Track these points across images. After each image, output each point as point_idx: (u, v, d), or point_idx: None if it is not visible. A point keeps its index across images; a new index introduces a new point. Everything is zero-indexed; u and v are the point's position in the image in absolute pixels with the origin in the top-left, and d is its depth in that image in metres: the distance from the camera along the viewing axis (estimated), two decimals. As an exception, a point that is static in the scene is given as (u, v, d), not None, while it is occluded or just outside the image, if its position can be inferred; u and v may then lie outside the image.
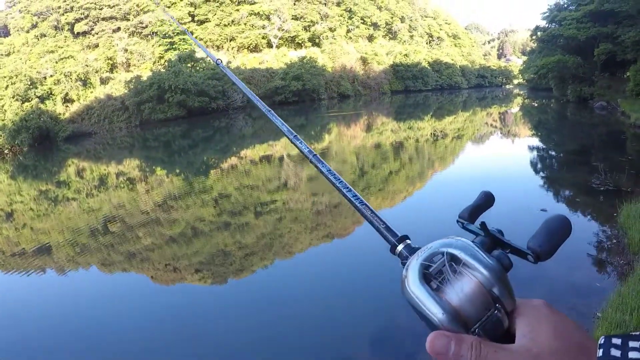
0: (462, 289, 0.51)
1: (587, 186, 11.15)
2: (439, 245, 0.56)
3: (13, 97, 36.16)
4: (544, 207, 9.95)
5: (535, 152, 18.31)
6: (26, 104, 35.57)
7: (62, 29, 58.02)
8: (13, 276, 9.11)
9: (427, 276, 0.54)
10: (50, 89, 40.74)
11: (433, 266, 0.54)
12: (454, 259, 0.54)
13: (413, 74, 71.38)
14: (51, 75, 41.97)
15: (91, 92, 42.93)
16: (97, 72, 45.48)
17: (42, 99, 38.56)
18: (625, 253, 6.85)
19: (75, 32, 57.84)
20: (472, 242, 0.57)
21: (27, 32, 57.04)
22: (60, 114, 38.06)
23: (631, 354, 0.44)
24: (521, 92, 63.19)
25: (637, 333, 0.47)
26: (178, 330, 6.15)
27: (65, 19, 57.49)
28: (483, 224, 0.58)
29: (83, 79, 43.30)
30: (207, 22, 60.67)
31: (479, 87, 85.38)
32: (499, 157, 18.09)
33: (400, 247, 0.64)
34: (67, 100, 41.44)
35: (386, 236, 0.68)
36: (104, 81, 45.23)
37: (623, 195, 9.26)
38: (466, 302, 0.51)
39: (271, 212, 12.20)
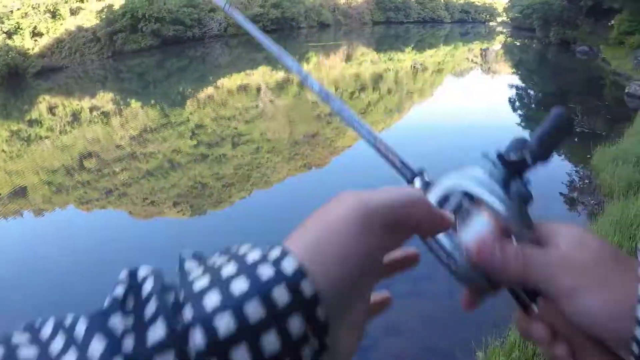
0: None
1: (563, 126, 11.23)
2: (453, 182, 0.52)
3: (-22, 35, 34.21)
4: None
5: (513, 90, 18.32)
6: (-8, 41, 33.85)
7: (28, -42, 54.63)
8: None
9: None
10: (17, 23, 38.35)
11: (448, 206, 0.51)
12: (469, 196, 0.50)
13: (395, 6, 69.84)
14: (18, 9, 39.42)
15: (61, 24, 40.84)
16: (66, 2, 43.19)
17: (9, 35, 36.51)
18: (596, 194, 7.02)
19: (43, -39, 54.60)
20: (489, 174, 0.52)
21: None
22: (29, 49, 36.15)
23: None
24: (504, 31, 62.53)
25: None
26: (158, 263, 6.17)
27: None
28: (500, 156, 0.51)
29: (52, 10, 41.29)
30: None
31: (461, 23, 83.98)
32: (478, 93, 18.08)
33: (417, 183, 0.59)
34: (35, 34, 39.16)
35: (402, 170, 0.62)
36: (74, 12, 42.95)
37: (597, 138, 9.38)
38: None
39: (249, 142, 12.13)
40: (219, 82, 23.06)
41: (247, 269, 0.30)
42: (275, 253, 0.32)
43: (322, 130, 12.85)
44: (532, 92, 18.80)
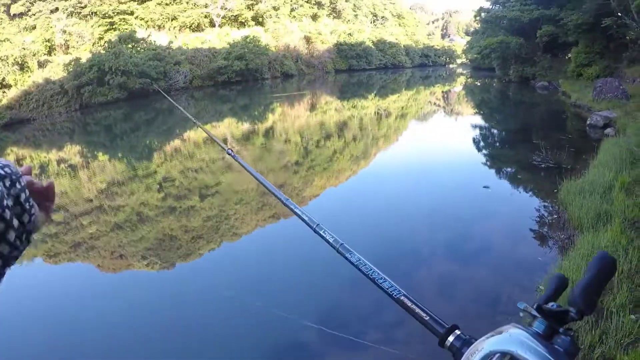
0: None
1: (528, 163, 11.39)
2: (494, 343, 0.49)
3: (-54, 85, 33.89)
4: (486, 184, 10.11)
5: (478, 130, 18.62)
6: (-40, 92, 33.51)
7: (-3, 11, 54.77)
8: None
9: None
10: (-15, 75, 38.50)
11: None
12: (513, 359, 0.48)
13: (357, 53, 71.35)
14: (-14, 62, 39.64)
15: (29, 76, 40.68)
16: (34, 55, 43.01)
17: (-23, 87, 36.42)
18: (566, 228, 7.00)
19: (12, 14, 54.58)
20: (531, 332, 0.49)
21: (-40, 15, 53.62)
22: (-4, 100, 36.16)
23: None
24: (464, 72, 64.37)
25: None
26: (127, 317, 5.91)
27: (1, 0, 54.32)
28: (539, 308, 0.50)
29: (20, 62, 41.16)
30: (148, 0, 58.54)
31: (422, 66, 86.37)
32: (443, 135, 18.31)
33: (450, 339, 0.56)
34: (3, 86, 39.13)
35: (432, 327, 0.60)
36: (42, 64, 42.91)
37: (563, 172, 9.49)
38: None
39: (217, 194, 11.97)
40: (186, 135, 22.96)
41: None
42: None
43: (290, 180, 12.78)
44: (495, 131, 19.13)
